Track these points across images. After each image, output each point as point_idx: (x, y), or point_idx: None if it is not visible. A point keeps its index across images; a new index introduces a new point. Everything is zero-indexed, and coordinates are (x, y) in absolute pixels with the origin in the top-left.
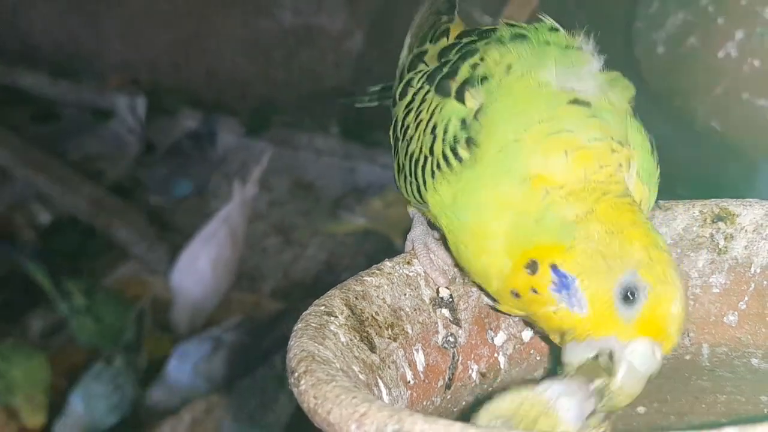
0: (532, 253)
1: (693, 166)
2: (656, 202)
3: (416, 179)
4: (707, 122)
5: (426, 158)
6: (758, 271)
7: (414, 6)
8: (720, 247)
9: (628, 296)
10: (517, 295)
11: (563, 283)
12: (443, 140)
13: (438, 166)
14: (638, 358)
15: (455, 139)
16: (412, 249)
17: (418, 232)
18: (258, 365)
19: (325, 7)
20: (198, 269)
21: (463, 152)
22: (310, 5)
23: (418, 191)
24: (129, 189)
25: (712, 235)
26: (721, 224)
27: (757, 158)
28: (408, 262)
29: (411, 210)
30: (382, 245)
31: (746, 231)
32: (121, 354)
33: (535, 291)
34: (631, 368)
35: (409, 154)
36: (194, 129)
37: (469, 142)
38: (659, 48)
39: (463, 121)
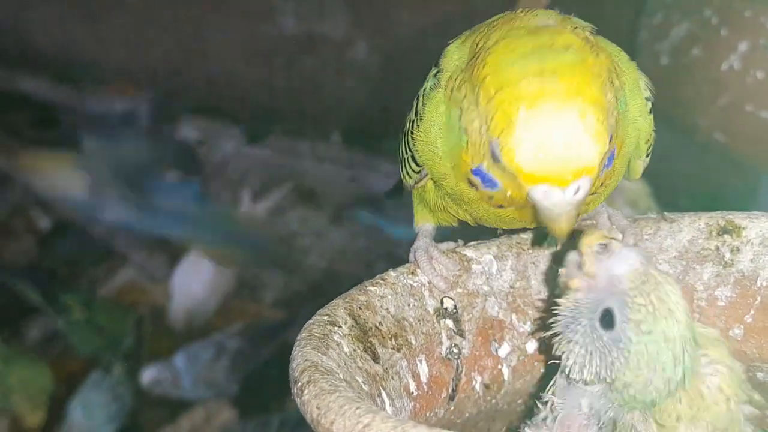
0: (462, 168)
1: (696, 177)
2: (662, 213)
3: (406, 145)
4: (710, 134)
5: (410, 121)
6: (764, 284)
7: (415, 15)
8: (726, 260)
9: (494, 160)
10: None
11: (482, 177)
12: (416, 102)
13: (413, 121)
14: (540, 200)
15: (423, 94)
16: (415, 258)
17: (421, 243)
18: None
19: (327, 14)
20: (198, 275)
21: (422, 107)
22: (312, 12)
23: (412, 158)
24: None
25: (717, 248)
26: (727, 237)
27: (760, 170)
28: (412, 273)
29: (417, 226)
30: (383, 254)
31: (752, 244)
32: (120, 362)
33: (484, 195)
34: (541, 207)
35: (402, 133)
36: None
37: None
38: (663, 59)
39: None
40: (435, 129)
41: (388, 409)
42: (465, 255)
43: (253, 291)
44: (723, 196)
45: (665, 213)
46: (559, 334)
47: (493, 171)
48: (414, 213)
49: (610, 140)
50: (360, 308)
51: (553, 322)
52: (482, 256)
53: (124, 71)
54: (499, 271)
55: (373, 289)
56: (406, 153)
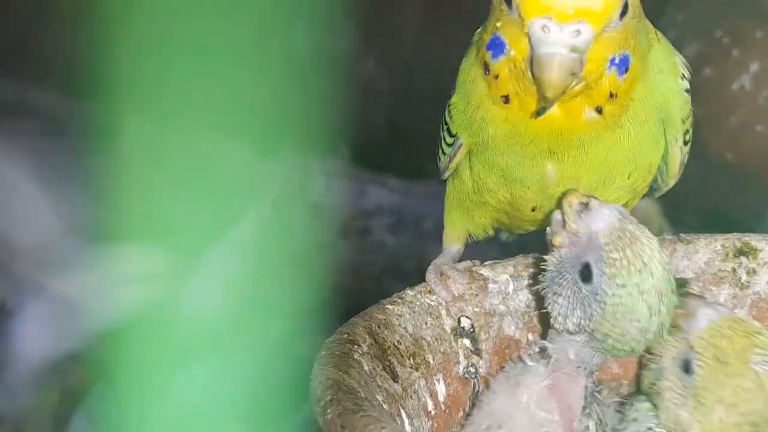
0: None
1: (705, 196)
2: (677, 234)
3: (444, 124)
4: (721, 154)
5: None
6: None
7: (425, 32)
8: (742, 281)
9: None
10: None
11: (493, 45)
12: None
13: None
14: (537, 39)
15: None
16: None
17: (440, 260)
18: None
19: (336, 30)
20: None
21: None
22: (322, 28)
23: (447, 132)
24: None
25: (734, 270)
26: (743, 259)
27: None
28: (429, 292)
29: (445, 245)
30: (390, 270)
31: None
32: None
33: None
34: (537, 55)
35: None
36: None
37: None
38: None
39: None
40: (468, 79)
41: (408, 428)
42: (481, 274)
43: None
44: (732, 216)
45: (681, 234)
46: (546, 289)
47: (503, 28)
48: (445, 227)
49: (624, 11)
50: (379, 327)
51: (542, 278)
52: (498, 275)
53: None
54: (515, 291)
55: (391, 307)
56: (442, 129)
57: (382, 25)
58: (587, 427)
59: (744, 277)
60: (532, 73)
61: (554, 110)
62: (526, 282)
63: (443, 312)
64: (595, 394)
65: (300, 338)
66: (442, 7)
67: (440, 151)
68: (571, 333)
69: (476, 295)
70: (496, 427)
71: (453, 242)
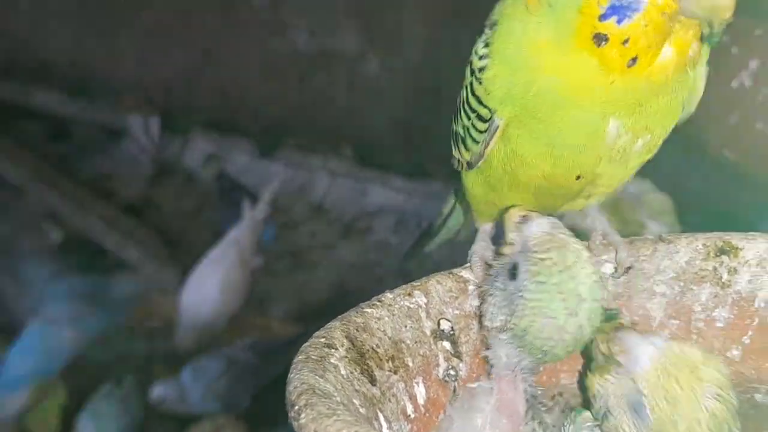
0: (584, 26)
1: (705, 195)
2: (659, 234)
3: (467, 108)
4: (720, 151)
5: (466, 87)
6: (762, 305)
7: (427, 31)
8: (723, 280)
9: None
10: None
11: (617, 9)
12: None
13: (471, 81)
14: None
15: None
16: (470, 262)
17: (479, 246)
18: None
19: (339, 29)
20: (206, 290)
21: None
22: (324, 28)
23: (478, 117)
24: (141, 208)
25: (715, 269)
26: (724, 258)
27: None
28: (409, 294)
29: (479, 225)
30: (392, 269)
31: (750, 265)
32: (129, 375)
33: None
34: None
35: (457, 112)
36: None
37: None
38: None
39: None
40: (512, 46)
41: None
42: (462, 276)
43: (263, 305)
44: (732, 214)
45: (662, 234)
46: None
47: None
48: (474, 212)
49: None
50: (357, 330)
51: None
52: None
53: (137, 85)
54: None
55: (369, 311)
56: (468, 119)
57: (386, 25)
58: (533, 430)
59: (725, 276)
60: (688, 11)
61: (670, 53)
62: None
63: (423, 315)
64: (536, 396)
65: (302, 339)
66: (445, 7)
67: (465, 143)
68: (499, 332)
69: (456, 297)
70: None
71: (485, 222)
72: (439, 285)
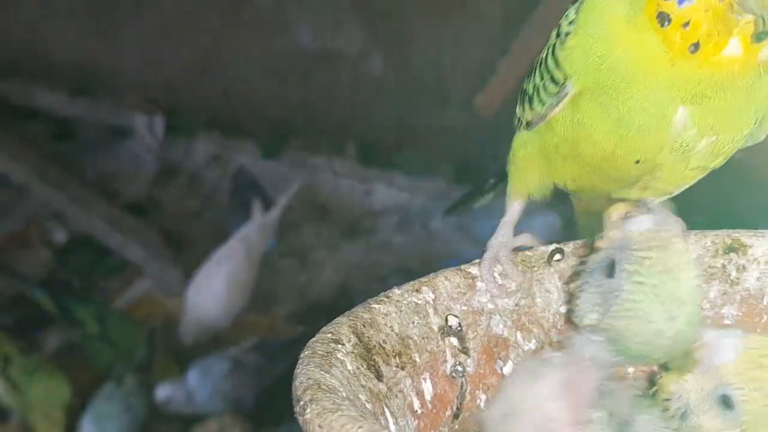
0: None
1: (712, 194)
2: None
3: (544, 68)
4: None
5: (549, 47)
6: None
7: (431, 29)
8: (732, 278)
9: None
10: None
11: None
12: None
13: (554, 45)
14: None
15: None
16: (482, 257)
17: (496, 242)
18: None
19: (342, 29)
20: (213, 288)
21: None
22: (327, 27)
23: (551, 79)
24: (145, 208)
25: (724, 266)
26: (733, 255)
27: None
28: (417, 290)
29: (510, 200)
30: (396, 268)
31: (759, 262)
32: (132, 374)
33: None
34: None
35: (536, 62)
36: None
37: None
38: None
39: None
40: (595, 17)
41: (392, 427)
42: (470, 273)
43: (267, 305)
44: (739, 213)
45: None
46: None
47: None
48: (510, 183)
49: None
50: (364, 326)
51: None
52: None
53: (141, 85)
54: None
55: (377, 306)
56: (541, 79)
57: (390, 24)
58: (599, 417)
59: (733, 274)
60: (746, 6)
61: (737, 48)
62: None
63: (430, 311)
64: (611, 385)
65: (306, 338)
66: (448, 6)
67: (531, 102)
68: (589, 331)
69: (464, 293)
70: (512, 416)
71: (518, 197)
72: (447, 281)
